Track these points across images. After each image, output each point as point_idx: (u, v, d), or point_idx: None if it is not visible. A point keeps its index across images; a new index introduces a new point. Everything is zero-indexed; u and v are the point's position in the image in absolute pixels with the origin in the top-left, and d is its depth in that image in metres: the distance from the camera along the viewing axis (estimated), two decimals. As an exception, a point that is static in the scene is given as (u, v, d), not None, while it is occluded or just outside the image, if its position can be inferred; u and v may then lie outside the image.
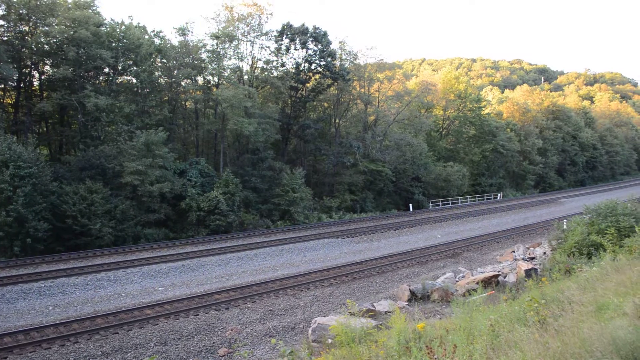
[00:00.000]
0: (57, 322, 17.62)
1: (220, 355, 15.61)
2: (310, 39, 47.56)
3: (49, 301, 20.48)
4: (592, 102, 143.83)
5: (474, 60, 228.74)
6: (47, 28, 34.06)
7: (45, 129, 38.38)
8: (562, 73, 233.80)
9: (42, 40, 34.52)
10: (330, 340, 13.48)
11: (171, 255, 28.22)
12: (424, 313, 17.25)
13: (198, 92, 43.06)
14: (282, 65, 48.90)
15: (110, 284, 23.03)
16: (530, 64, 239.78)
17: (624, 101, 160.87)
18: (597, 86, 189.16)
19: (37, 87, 37.36)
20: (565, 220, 28.26)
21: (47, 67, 36.63)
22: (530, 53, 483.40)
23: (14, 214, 26.41)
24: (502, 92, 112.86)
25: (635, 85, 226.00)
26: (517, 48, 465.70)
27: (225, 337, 16.76)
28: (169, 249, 30.28)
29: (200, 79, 43.98)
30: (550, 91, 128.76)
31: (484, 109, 73.63)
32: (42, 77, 36.97)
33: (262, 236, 35.74)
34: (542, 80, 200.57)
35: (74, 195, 30.22)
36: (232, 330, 17.15)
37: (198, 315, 18.83)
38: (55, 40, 34.41)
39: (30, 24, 34.22)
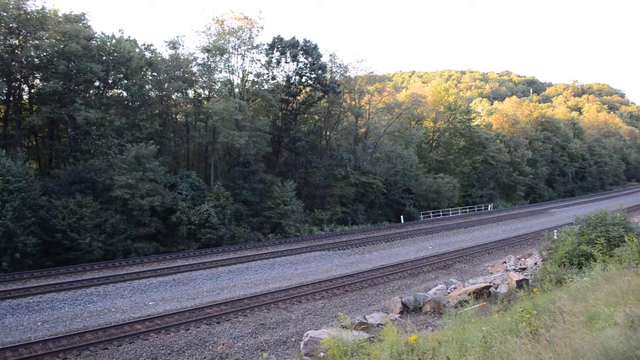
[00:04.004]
0: (46, 338, 17.39)
1: (211, 370, 15.48)
2: (301, 52, 47.77)
3: (38, 317, 20.25)
4: (581, 113, 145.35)
5: (463, 73, 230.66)
6: (37, 41, 33.96)
7: (34, 143, 38.18)
8: (550, 84, 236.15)
9: (32, 53, 34.40)
10: (322, 354, 13.42)
11: (162, 269, 28.03)
12: (416, 325, 17.25)
13: (189, 105, 43.01)
14: (273, 78, 49.10)
15: (100, 298, 22.82)
16: (519, 76, 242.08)
17: (612, 112, 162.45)
18: (585, 97, 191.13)
19: (27, 101, 37.23)
20: (555, 230, 28.40)
21: (37, 81, 36.52)
22: (519, 65, 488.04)
23: (2, 229, 26.11)
24: (492, 104, 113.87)
25: (623, 96, 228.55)
26: (505, 60, 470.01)
27: (216, 352, 16.63)
28: (159, 263, 30.09)
29: (191, 92, 43.99)
30: (539, 102, 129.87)
31: (473, 120, 74.17)
32: (32, 90, 36.86)
33: (254, 249, 35.61)
34: (531, 91, 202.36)
35: (64, 210, 30.01)
36: (223, 344, 17.02)
37: (189, 329, 18.66)
38: (45, 53, 34.33)
39: (20, 37, 34.14)
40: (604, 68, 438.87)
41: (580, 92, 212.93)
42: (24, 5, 33.27)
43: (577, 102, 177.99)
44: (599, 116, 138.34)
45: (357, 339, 11.23)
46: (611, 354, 5.39)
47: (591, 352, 5.54)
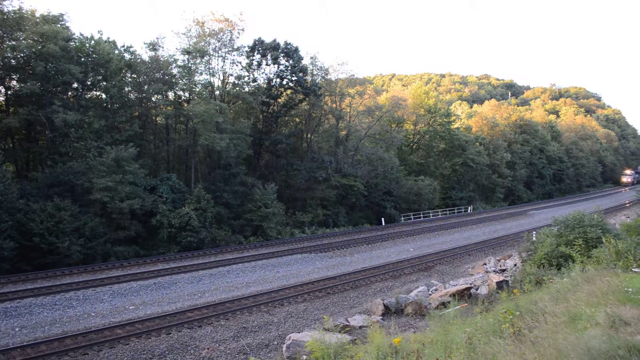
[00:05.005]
0: (24, 343, 17.12)
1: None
2: (282, 55, 47.75)
3: (16, 322, 19.90)
4: (558, 116, 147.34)
5: (442, 76, 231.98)
6: (14, 42, 33.43)
7: (11, 145, 37.46)
8: (528, 88, 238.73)
9: (9, 54, 33.85)
10: (305, 357, 13.42)
11: (142, 273, 27.75)
12: (399, 327, 17.31)
13: (169, 108, 42.71)
14: (254, 80, 49.01)
15: (79, 303, 22.52)
16: (498, 79, 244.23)
17: (588, 115, 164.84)
18: (562, 100, 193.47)
19: (3, 103, 36.54)
20: (534, 232, 28.69)
21: (14, 82, 35.86)
22: (498, 68, 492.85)
23: (-22, 233, 25.68)
24: (471, 107, 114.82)
25: (599, 99, 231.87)
26: (484, 63, 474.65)
27: (198, 356, 16.51)
28: (139, 267, 29.78)
29: (171, 94, 43.67)
30: (517, 106, 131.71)
31: (453, 123, 74.70)
32: (9, 92, 36.18)
33: (235, 252, 35.44)
34: (509, 95, 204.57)
35: (42, 213, 29.56)
36: (208, 349, 16.91)
37: (170, 334, 18.52)
38: (22, 54, 33.79)
39: (-4, 38, 33.62)
40: (581, 72, 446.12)
41: (558, 95, 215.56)
42: (0, 6, 32.75)
43: (554, 105, 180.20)
44: (576, 119, 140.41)
45: (340, 341, 11.25)
46: (594, 353, 5.46)
47: (574, 352, 5.61)
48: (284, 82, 48.81)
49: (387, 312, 21.08)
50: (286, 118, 52.64)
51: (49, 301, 22.21)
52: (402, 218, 57.64)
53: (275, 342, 17.80)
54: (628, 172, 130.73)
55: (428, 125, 70.71)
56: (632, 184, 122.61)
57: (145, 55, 42.34)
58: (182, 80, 42.71)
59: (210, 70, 45.46)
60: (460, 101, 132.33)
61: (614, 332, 6.33)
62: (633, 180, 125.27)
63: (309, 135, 53.64)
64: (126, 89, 40.74)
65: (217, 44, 44.60)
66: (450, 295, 21.30)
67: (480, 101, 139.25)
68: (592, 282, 10.05)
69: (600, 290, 9.02)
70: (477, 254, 36.42)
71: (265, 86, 48.44)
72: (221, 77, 47.16)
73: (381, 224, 53.83)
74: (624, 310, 7.22)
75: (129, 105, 40.66)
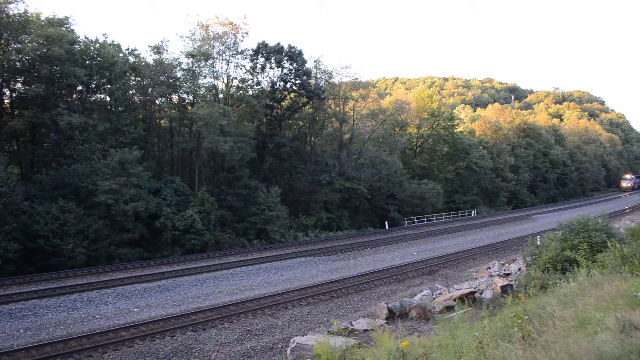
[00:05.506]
0: (29, 345, 17.14)
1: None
2: (286, 58, 47.80)
3: (20, 324, 19.93)
4: (562, 120, 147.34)
5: (445, 79, 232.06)
6: (19, 45, 33.49)
7: (16, 148, 37.60)
8: (531, 92, 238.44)
9: (14, 57, 33.92)
10: (309, 360, 13.38)
11: (146, 275, 27.77)
12: (404, 330, 17.27)
13: (173, 111, 42.78)
14: (258, 83, 49.00)
15: (83, 305, 22.53)
16: (501, 83, 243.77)
17: (592, 119, 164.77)
18: (565, 104, 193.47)
19: (8, 105, 36.66)
20: (538, 236, 28.56)
21: (19, 85, 35.96)
22: (501, 72, 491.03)
23: (-17, 235, 25.71)
24: (474, 111, 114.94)
25: (602, 103, 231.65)
26: (487, 67, 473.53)
27: (210, 359, 16.53)
28: (143, 269, 29.79)
29: (175, 97, 43.77)
30: (521, 109, 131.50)
31: (457, 127, 74.65)
32: (14, 94, 36.30)
33: (239, 255, 35.44)
34: (513, 98, 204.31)
35: (46, 215, 29.61)
36: (217, 352, 16.90)
37: (174, 336, 18.50)
38: (27, 57, 33.84)
39: (2, 41, 33.69)
40: (584, 75, 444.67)
41: (561, 99, 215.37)
42: (5, 9, 32.85)
43: (558, 109, 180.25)
44: (580, 123, 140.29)
45: (346, 344, 11.23)
46: (606, 358, 5.44)
47: (586, 356, 5.58)
48: (288, 86, 48.89)
49: (391, 315, 21.01)
50: (290, 121, 52.63)
51: (54, 303, 22.23)
52: (406, 222, 57.56)
53: (280, 345, 17.77)
54: (628, 176, 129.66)
55: (431, 129, 70.59)
56: (632, 189, 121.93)
57: (150, 58, 42.56)
58: (186, 83, 42.78)
59: (214, 74, 45.58)
60: (463, 105, 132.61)
61: (624, 336, 6.30)
62: (633, 185, 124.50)
63: (312, 139, 53.64)
64: (130, 91, 40.85)
65: (221, 47, 44.74)
66: (454, 300, 21.24)
67: (484, 105, 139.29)
68: (600, 287, 10.03)
69: (608, 295, 8.99)
70: (481, 258, 36.33)
71: (269, 89, 48.48)
72: (225, 81, 47.31)
73: (385, 227, 53.75)
74: (634, 315, 7.19)
75: (133, 108, 40.74)
